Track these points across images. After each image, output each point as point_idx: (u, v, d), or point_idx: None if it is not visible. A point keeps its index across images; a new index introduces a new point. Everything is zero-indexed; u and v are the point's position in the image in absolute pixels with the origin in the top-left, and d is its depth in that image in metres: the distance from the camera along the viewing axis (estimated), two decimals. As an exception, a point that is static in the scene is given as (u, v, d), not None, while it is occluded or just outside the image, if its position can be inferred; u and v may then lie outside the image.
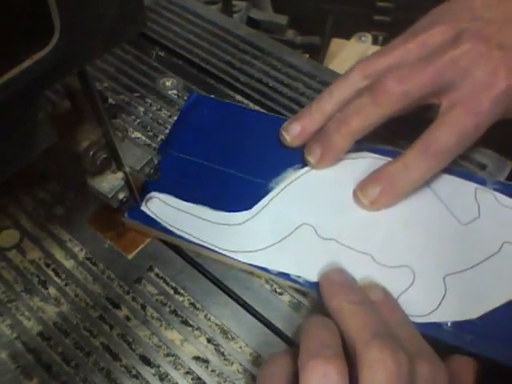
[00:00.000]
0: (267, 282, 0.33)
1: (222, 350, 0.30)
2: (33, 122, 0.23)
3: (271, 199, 0.35)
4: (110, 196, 0.30)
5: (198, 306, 0.32)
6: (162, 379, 0.30)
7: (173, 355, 0.30)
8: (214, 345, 0.31)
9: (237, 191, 0.35)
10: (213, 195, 0.35)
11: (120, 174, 0.31)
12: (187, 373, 0.30)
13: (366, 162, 0.36)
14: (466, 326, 0.30)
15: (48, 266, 0.34)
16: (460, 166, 0.37)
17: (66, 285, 0.33)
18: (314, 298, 0.32)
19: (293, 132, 0.36)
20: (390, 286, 0.31)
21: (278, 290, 0.33)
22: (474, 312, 0.30)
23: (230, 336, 0.31)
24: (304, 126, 0.36)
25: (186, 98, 0.42)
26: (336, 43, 0.60)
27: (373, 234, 0.33)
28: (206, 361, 0.30)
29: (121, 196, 0.31)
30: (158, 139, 0.40)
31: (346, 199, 0.35)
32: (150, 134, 0.40)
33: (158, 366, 0.30)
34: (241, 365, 0.30)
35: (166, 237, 0.34)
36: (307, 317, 0.31)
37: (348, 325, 0.26)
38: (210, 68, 0.45)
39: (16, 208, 0.36)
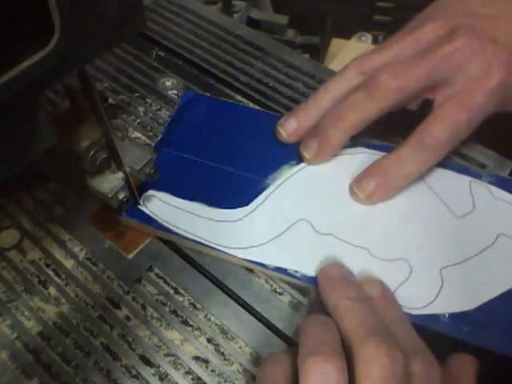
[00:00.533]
0: (267, 281, 0.33)
1: (222, 349, 0.30)
2: (33, 122, 0.23)
3: (268, 196, 0.35)
4: (109, 196, 0.30)
5: (197, 306, 0.32)
6: (161, 379, 0.30)
7: (173, 355, 0.30)
8: (214, 345, 0.31)
9: (233, 188, 0.35)
10: (209, 192, 0.35)
11: (120, 174, 0.31)
12: (187, 373, 0.30)
13: (361, 158, 0.36)
14: (463, 317, 0.30)
15: (48, 266, 0.34)
16: (454, 160, 0.37)
17: (66, 285, 0.33)
18: (314, 297, 0.32)
19: (289, 128, 0.37)
20: (388, 279, 0.31)
21: (277, 290, 0.33)
22: (470, 303, 0.30)
23: (229, 336, 0.31)
24: (300, 121, 0.36)
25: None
26: (336, 43, 0.59)
27: (369, 228, 0.34)
28: (205, 361, 0.30)
29: (121, 196, 0.31)
30: (158, 139, 0.40)
31: (342, 194, 0.35)
32: (150, 133, 0.40)
33: (158, 366, 0.30)
34: (241, 365, 0.30)
35: (164, 234, 0.34)
36: (306, 316, 0.31)
37: (345, 321, 0.26)
38: (210, 68, 0.45)
39: (16, 208, 0.36)
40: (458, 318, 0.30)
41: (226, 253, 0.33)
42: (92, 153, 0.29)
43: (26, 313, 0.32)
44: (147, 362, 0.30)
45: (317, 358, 0.24)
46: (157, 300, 0.32)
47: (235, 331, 0.31)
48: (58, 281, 0.33)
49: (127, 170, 0.31)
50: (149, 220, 0.34)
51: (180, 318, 0.32)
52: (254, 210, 0.34)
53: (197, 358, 0.30)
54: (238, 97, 0.43)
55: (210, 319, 0.32)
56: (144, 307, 0.32)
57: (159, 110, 0.42)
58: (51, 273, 0.33)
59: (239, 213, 0.34)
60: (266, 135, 0.38)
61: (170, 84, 0.44)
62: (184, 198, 0.35)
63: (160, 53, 0.46)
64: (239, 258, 0.33)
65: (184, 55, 0.46)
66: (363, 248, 0.33)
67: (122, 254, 0.34)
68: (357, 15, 0.66)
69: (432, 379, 0.25)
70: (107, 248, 0.34)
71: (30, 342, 0.31)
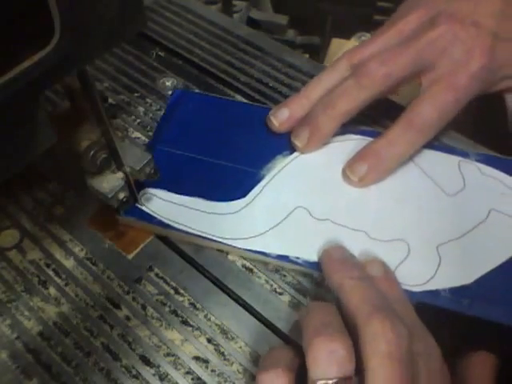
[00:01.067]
0: (267, 282, 0.33)
1: (222, 349, 0.30)
2: (33, 122, 0.23)
3: (264, 186, 0.36)
4: (109, 196, 0.30)
5: (197, 306, 0.32)
6: (161, 379, 0.30)
7: (173, 355, 0.30)
8: (214, 345, 0.31)
9: (229, 181, 0.36)
10: (205, 187, 0.36)
11: (120, 174, 0.31)
12: (187, 373, 0.30)
13: (352, 144, 0.37)
14: (462, 291, 0.31)
15: (48, 266, 0.34)
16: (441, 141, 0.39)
17: (66, 285, 0.33)
18: (313, 296, 0.32)
19: (281, 117, 0.37)
20: (387, 259, 0.32)
21: (277, 290, 0.33)
22: (469, 277, 0.32)
23: (229, 336, 0.31)
24: (292, 111, 0.37)
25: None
26: (336, 43, 0.59)
27: (365, 211, 0.34)
28: (205, 361, 0.30)
29: (121, 196, 0.31)
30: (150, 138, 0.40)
31: (336, 180, 0.36)
32: (150, 133, 0.40)
33: (158, 366, 0.30)
34: (241, 365, 0.30)
35: (163, 231, 0.34)
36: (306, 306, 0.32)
37: (349, 300, 0.27)
38: (210, 68, 0.45)
39: (16, 208, 0.36)
40: (457, 292, 0.31)
41: (228, 244, 0.33)
42: (92, 153, 0.29)
43: (26, 313, 0.32)
44: (147, 362, 0.30)
45: (323, 338, 0.24)
46: (157, 300, 0.32)
47: (235, 331, 0.31)
48: (58, 281, 0.33)
49: (127, 170, 0.31)
50: (147, 217, 0.34)
51: (180, 318, 0.32)
52: (252, 201, 0.35)
53: (197, 358, 0.30)
54: (238, 97, 0.43)
55: (210, 319, 0.32)
56: (144, 307, 0.32)
57: (159, 110, 0.42)
58: (51, 273, 0.33)
59: (237, 205, 0.35)
60: (257, 127, 0.39)
61: (169, 84, 0.44)
62: (180, 193, 0.35)
63: (160, 53, 0.46)
64: (240, 249, 0.33)
65: (184, 55, 0.46)
66: (361, 231, 0.33)
67: (121, 254, 0.34)
68: (357, 15, 0.66)
69: (432, 358, 0.26)
70: (107, 248, 0.34)
71: (30, 342, 0.31)
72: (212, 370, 0.30)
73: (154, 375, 0.30)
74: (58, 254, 0.34)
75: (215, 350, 0.30)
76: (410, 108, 0.34)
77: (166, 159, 0.37)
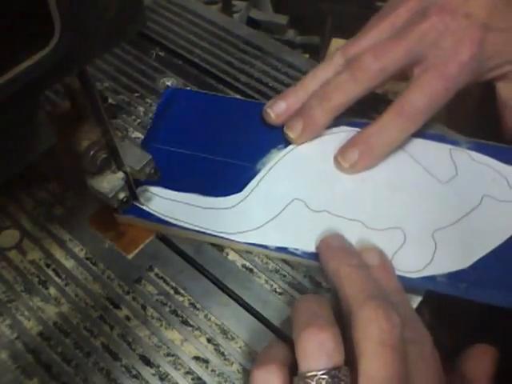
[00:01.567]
0: (267, 282, 0.33)
1: (222, 349, 0.30)
2: (33, 122, 0.23)
3: (260, 180, 0.36)
4: (110, 196, 0.30)
5: (197, 306, 0.32)
6: (162, 379, 0.30)
7: (173, 355, 0.30)
8: (214, 345, 0.31)
9: (225, 176, 0.36)
10: (201, 183, 0.36)
11: (120, 174, 0.31)
12: (187, 373, 0.30)
13: (346, 136, 0.37)
14: (459, 275, 0.32)
15: (48, 266, 0.34)
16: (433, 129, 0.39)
17: (66, 285, 0.33)
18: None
19: (277, 109, 0.38)
20: (384, 248, 0.32)
21: (277, 290, 0.33)
22: (465, 262, 0.32)
23: (229, 336, 0.31)
24: (288, 103, 0.38)
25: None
26: (336, 43, 0.60)
27: (361, 201, 0.35)
28: (205, 361, 0.30)
29: (121, 196, 0.31)
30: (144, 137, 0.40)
31: (331, 172, 0.36)
32: (150, 133, 0.40)
33: (158, 366, 0.30)
34: (241, 365, 0.30)
35: (162, 228, 0.34)
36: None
37: (344, 287, 0.27)
38: (210, 68, 0.45)
39: (16, 208, 0.36)
40: (454, 276, 0.31)
41: (226, 238, 0.33)
42: (92, 153, 0.29)
43: (26, 313, 0.32)
44: (147, 362, 0.30)
45: (312, 329, 0.24)
46: (157, 300, 0.32)
47: (235, 331, 0.31)
48: (58, 281, 0.33)
49: (127, 169, 0.31)
50: (145, 215, 0.34)
51: (180, 318, 0.32)
52: (248, 195, 0.35)
53: (197, 358, 0.30)
54: (238, 97, 0.43)
55: (210, 319, 0.32)
56: (144, 307, 0.32)
57: (159, 109, 0.42)
58: (51, 273, 0.33)
59: (234, 199, 0.35)
60: (250, 122, 0.39)
61: (170, 84, 0.44)
62: (177, 190, 0.35)
63: (160, 53, 0.46)
64: (239, 242, 0.33)
65: (184, 55, 0.46)
66: (357, 221, 0.34)
67: (121, 254, 0.34)
68: (357, 15, 0.66)
69: (424, 345, 0.26)
70: (107, 248, 0.34)
71: (30, 341, 0.31)
72: (212, 370, 0.30)
73: (153, 375, 0.30)
74: (58, 254, 0.34)
75: (215, 349, 0.30)
76: (401, 96, 0.35)
77: (161, 157, 0.37)
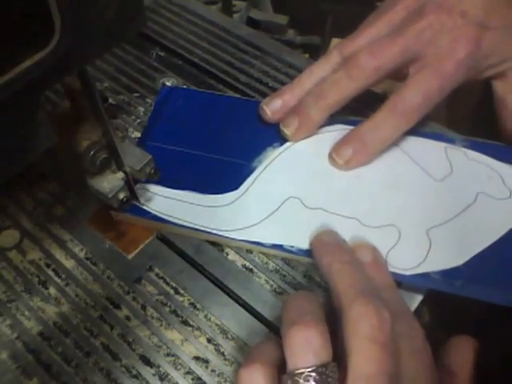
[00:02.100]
0: (267, 282, 0.33)
1: (222, 349, 0.30)
2: (33, 122, 0.23)
3: (256, 178, 0.36)
4: (110, 196, 0.30)
5: (197, 306, 0.32)
6: (162, 379, 0.30)
7: (173, 355, 0.30)
8: (214, 345, 0.31)
9: (221, 174, 0.36)
10: (198, 180, 0.36)
11: (120, 174, 0.31)
12: (187, 373, 0.30)
13: (341, 134, 0.37)
14: (453, 272, 0.32)
15: (48, 266, 0.34)
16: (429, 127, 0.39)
17: (66, 285, 0.33)
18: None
19: (274, 107, 0.38)
20: (378, 245, 0.32)
21: (277, 290, 0.33)
22: (459, 259, 0.32)
23: (229, 336, 0.31)
24: (285, 101, 0.38)
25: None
26: (336, 43, 0.59)
27: (356, 199, 0.35)
28: (205, 361, 0.30)
29: (121, 196, 0.31)
30: (140, 135, 0.40)
31: (326, 169, 0.37)
32: (150, 134, 0.40)
33: (158, 366, 0.30)
34: (241, 365, 0.30)
35: (159, 225, 0.34)
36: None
37: (336, 283, 0.27)
38: (210, 68, 0.45)
39: (16, 208, 0.36)
40: (449, 274, 0.32)
41: (222, 236, 0.33)
42: (92, 153, 0.29)
43: (26, 313, 0.32)
44: (147, 362, 0.30)
45: (299, 327, 0.24)
46: (157, 300, 0.32)
47: (235, 331, 0.31)
48: (58, 281, 0.33)
49: (127, 169, 0.31)
50: (142, 212, 0.34)
51: (180, 318, 0.32)
52: (244, 192, 0.35)
53: (197, 358, 0.30)
54: (237, 96, 0.43)
55: (210, 319, 0.32)
56: (144, 307, 0.32)
57: (159, 110, 0.42)
58: (51, 273, 0.33)
59: (230, 197, 0.35)
60: (246, 120, 0.39)
61: (169, 84, 0.44)
62: (174, 188, 0.36)
63: (160, 53, 0.46)
64: (235, 239, 0.33)
65: (184, 55, 0.46)
66: (353, 218, 0.34)
67: (121, 254, 0.34)
68: (357, 15, 0.66)
69: (415, 339, 0.26)
70: (107, 248, 0.34)
71: (30, 341, 0.31)
72: (212, 370, 0.30)
73: (154, 375, 0.30)
74: (58, 254, 0.34)
75: (215, 349, 0.30)
76: (396, 93, 0.35)
77: (158, 155, 0.37)
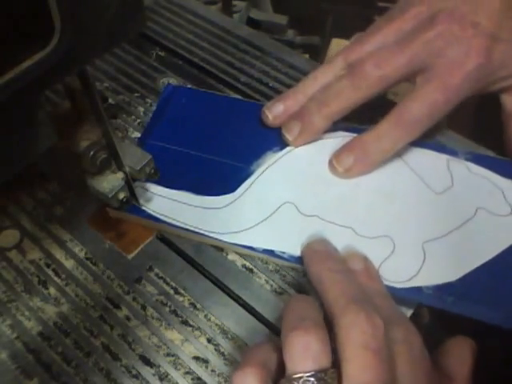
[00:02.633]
0: (267, 282, 0.33)
1: (222, 349, 0.30)
2: (33, 122, 0.23)
3: (253, 181, 0.36)
4: (110, 196, 0.30)
5: (197, 306, 0.32)
6: (161, 379, 0.30)
7: (173, 355, 0.30)
8: (214, 345, 0.31)
9: (219, 176, 0.36)
10: (195, 181, 0.36)
11: (120, 174, 0.31)
12: (187, 373, 0.30)
13: (342, 141, 0.37)
14: (446, 288, 0.31)
15: (48, 266, 0.34)
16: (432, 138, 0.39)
17: (66, 285, 0.33)
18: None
19: (276, 111, 0.38)
20: (372, 256, 0.32)
21: (277, 290, 0.33)
22: (453, 275, 0.32)
23: (229, 336, 0.31)
24: (287, 106, 0.38)
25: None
26: (336, 43, 0.60)
27: (353, 208, 0.35)
28: (205, 361, 0.30)
29: (121, 196, 0.31)
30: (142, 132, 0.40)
31: (325, 176, 0.36)
32: (150, 134, 0.40)
33: (158, 366, 0.30)
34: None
35: (153, 224, 0.34)
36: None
37: (327, 292, 0.27)
38: (210, 68, 0.45)
39: (16, 208, 0.36)
40: (441, 289, 0.31)
41: (215, 238, 0.33)
42: (92, 153, 0.29)
43: (26, 313, 0.32)
44: (147, 362, 0.30)
45: (298, 332, 0.24)
46: (157, 300, 0.32)
47: (235, 331, 0.31)
48: (58, 281, 0.33)
49: (127, 169, 0.31)
50: (137, 211, 0.34)
51: (180, 318, 0.32)
52: (241, 195, 0.35)
53: (197, 358, 0.30)
54: (238, 97, 0.43)
55: (210, 319, 0.32)
56: (144, 307, 0.32)
57: (159, 110, 0.42)
58: (51, 273, 0.33)
59: (226, 199, 0.35)
60: (248, 123, 0.39)
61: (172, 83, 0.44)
62: (170, 187, 0.35)
63: (160, 53, 0.46)
64: (227, 243, 0.33)
65: (184, 55, 0.46)
66: (348, 227, 0.34)
67: (121, 254, 0.34)
68: (357, 15, 0.66)
69: (412, 345, 0.26)
70: (107, 248, 0.34)
71: (30, 341, 0.31)
72: (212, 370, 0.30)
73: (153, 375, 0.30)
74: (58, 254, 0.34)
75: (215, 349, 0.30)
76: (401, 104, 0.35)
77: (157, 153, 0.37)
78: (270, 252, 0.33)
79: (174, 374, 0.30)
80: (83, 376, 0.30)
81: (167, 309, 0.32)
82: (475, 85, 0.35)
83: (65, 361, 0.30)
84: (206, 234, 0.33)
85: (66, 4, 0.19)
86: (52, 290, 0.33)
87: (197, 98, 0.41)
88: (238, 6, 0.66)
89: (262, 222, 0.34)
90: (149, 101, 0.42)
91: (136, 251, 0.34)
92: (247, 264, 0.34)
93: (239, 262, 0.34)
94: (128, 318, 0.32)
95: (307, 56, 0.53)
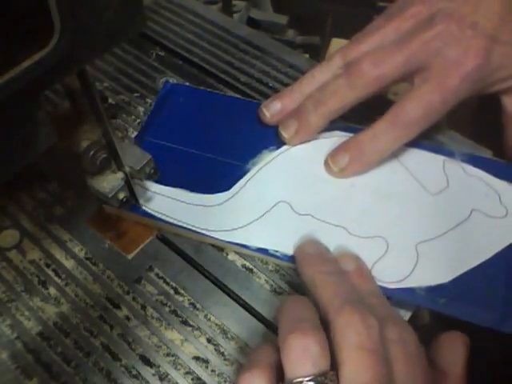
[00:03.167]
0: (267, 282, 0.33)
1: (221, 349, 0.30)
2: (33, 122, 0.23)
3: (248, 180, 0.36)
4: (110, 196, 0.30)
5: (197, 306, 0.32)
6: (161, 379, 0.30)
7: (173, 355, 0.30)
8: (214, 345, 0.31)
9: (215, 174, 0.36)
10: (191, 179, 0.36)
11: (120, 174, 0.31)
12: (187, 373, 0.30)
13: (339, 141, 0.37)
14: (438, 289, 0.31)
15: (48, 266, 0.34)
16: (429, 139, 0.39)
17: (66, 285, 0.33)
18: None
19: (273, 109, 0.38)
20: (365, 256, 0.32)
21: (277, 290, 0.33)
22: (445, 276, 0.31)
23: (229, 336, 0.31)
24: (284, 104, 0.38)
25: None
26: (336, 43, 0.60)
27: (347, 207, 0.35)
28: (205, 361, 0.30)
29: (121, 196, 0.31)
30: (139, 130, 0.40)
31: (320, 176, 0.36)
32: (150, 133, 0.40)
33: (158, 366, 0.30)
34: (241, 365, 0.30)
35: (148, 221, 0.34)
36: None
37: (321, 294, 0.27)
38: (210, 68, 0.45)
39: (16, 208, 0.36)
40: (433, 290, 0.31)
41: (209, 236, 0.33)
42: (92, 153, 0.29)
43: (26, 313, 0.32)
44: (147, 362, 0.30)
45: (296, 335, 0.24)
46: (157, 300, 0.32)
47: (235, 331, 0.31)
48: (58, 281, 0.33)
49: (127, 169, 0.31)
50: (133, 207, 0.34)
51: (180, 318, 0.32)
52: (236, 194, 0.35)
53: (197, 358, 0.30)
54: (238, 96, 0.43)
55: (210, 319, 0.32)
56: (144, 307, 0.32)
57: (159, 109, 0.42)
58: (51, 273, 0.33)
59: (221, 197, 0.35)
60: (245, 122, 0.39)
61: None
62: (166, 184, 0.35)
63: (160, 53, 0.46)
64: (221, 241, 0.33)
65: (184, 55, 0.46)
66: (341, 227, 0.34)
67: (121, 254, 0.34)
68: (357, 15, 0.66)
69: (408, 343, 0.26)
70: (107, 248, 0.34)
71: (30, 341, 0.31)
72: (212, 370, 0.30)
73: (153, 375, 0.30)
74: (58, 254, 0.34)
75: (215, 349, 0.30)
76: (398, 104, 0.35)
77: (154, 151, 0.37)
78: (264, 250, 0.33)
79: (174, 374, 0.30)
80: (83, 376, 0.30)
81: (167, 309, 0.32)
82: (473, 86, 0.34)
83: (65, 361, 0.30)
84: (201, 231, 0.33)
85: (66, 4, 0.19)
86: (52, 290, 0.33)
87: (194, 96, 0.41)
88: (237, 5, 0.66)
89: (256, 220, 0.34)
90: (149, 101, 0.42)
91: (136, 251, 0.34)
92: (247, 264, 0.34)
93: (239, 261, 0.34)
94: (128, 318, 0.32)
95: (307, 56, 0.53)
